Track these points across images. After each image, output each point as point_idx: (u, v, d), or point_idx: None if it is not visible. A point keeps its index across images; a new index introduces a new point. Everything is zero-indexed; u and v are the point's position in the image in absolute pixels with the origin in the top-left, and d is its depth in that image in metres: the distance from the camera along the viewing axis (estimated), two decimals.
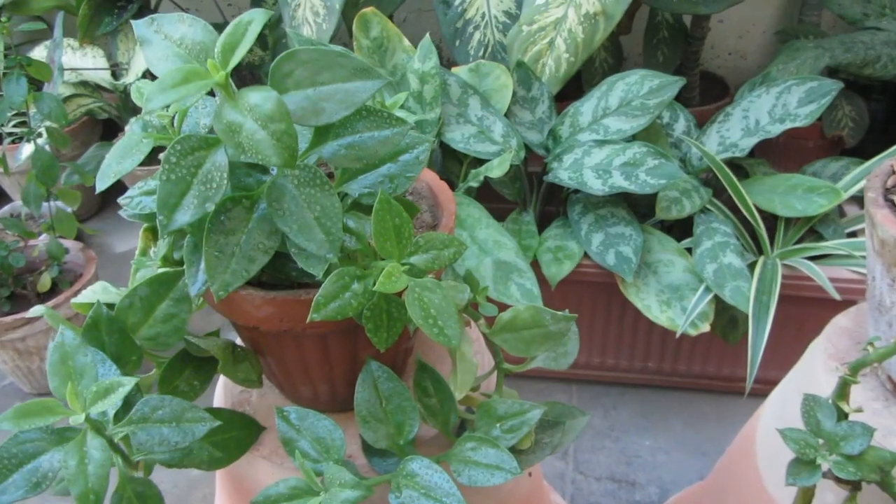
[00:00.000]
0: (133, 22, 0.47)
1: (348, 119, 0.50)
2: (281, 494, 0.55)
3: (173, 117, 0.52)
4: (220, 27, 1.78)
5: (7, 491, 0.50)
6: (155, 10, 1.92)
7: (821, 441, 0.60)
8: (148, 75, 1.97)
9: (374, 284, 0.47)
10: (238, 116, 0.43)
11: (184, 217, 0.46)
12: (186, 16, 0.47)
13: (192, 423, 0.52)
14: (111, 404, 0.49)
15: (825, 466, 0.59)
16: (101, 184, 0.49)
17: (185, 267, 0.54)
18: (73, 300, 0.60)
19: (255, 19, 0.44)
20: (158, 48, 0.46)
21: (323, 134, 0.51)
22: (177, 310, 0.56)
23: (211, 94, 0.58)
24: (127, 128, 0.53)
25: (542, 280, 1.17)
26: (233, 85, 0.45)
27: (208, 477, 1.32)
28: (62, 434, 0.52)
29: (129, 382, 0.49)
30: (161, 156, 0.55)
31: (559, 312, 0.56)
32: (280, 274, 0.56)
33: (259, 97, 0.43)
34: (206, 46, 0.46)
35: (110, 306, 0.57)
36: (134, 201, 0.55)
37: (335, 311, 0.47)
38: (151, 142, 0.50)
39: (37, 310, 0.59)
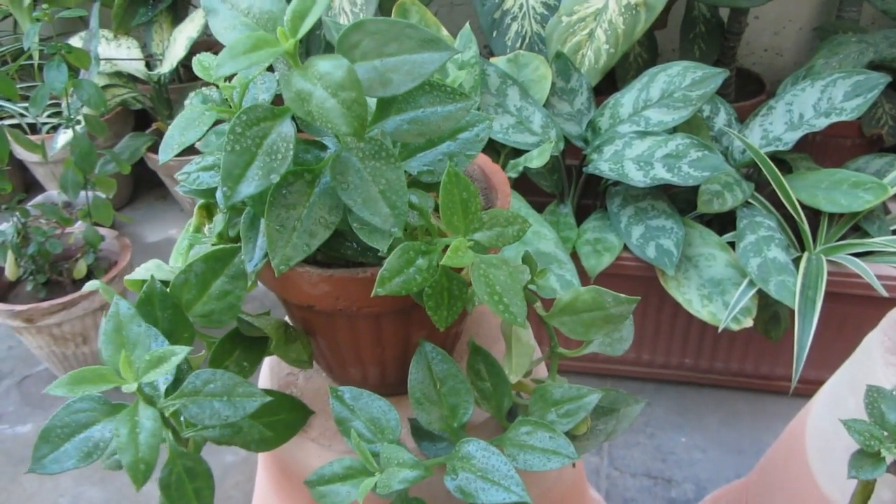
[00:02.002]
0: None
1: (411, 93, 0.50)
2: (336, 474, 0.54)
3: (233, 91, 0.52)
4: None
5: (60, 459, 0.50)
6: (189, 1, 1.93)
7: (885, 433, 0.58)
8: (181, 67, 1.98)
9: (439, 260, 0.46)
10: (307, 84, 0.43)
11: (248, 188, 0.45)
12: None
13: (243, 398, 0.51)
14: (163, 374, 0.48)
15: (890, 459, 0.57)
16: (164, 155, 0.48)
17: (241, 243, 0.54)
18: (127, 277, 0.59)
19: None
20: (225, 17, 0.45)
21: (385, 108, 0.50)
22: (232, 287, 0.56)
23: (269, 70, 0.57)
24: (187, 102, 0.53)
25: (581, 272, 1.15)
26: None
27: (242, 464, 1.32)
28: (115, 406, 0.52)
29: (181, 351, 0.49)
30: (215, 130, 0.55)
31: (620, 295, 0.55)
32: (335, 253, 0.55)
33: (329, 65, 0.43)
34: (273, 15, 0.45)
35: (164, 283, 0.57)
36: (191, 177, 0.55)
37: (400, 285, 0.46)
38: (214, 114, 0.49)
39: (92, 284, 0.59)
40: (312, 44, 1.80)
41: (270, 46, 0.43)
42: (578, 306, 0.56)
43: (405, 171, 0.55)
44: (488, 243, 0.49)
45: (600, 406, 0.62)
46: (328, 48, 1.73)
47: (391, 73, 0.46)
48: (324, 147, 0.55)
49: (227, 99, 0.52)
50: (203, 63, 0.53)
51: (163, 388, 0.53)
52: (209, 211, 0.60)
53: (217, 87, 0.53)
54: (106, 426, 0.51)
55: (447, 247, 0.47)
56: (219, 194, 0.47)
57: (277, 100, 0.53)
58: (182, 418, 0.54)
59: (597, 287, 0.55)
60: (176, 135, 0.49)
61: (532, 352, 0.59)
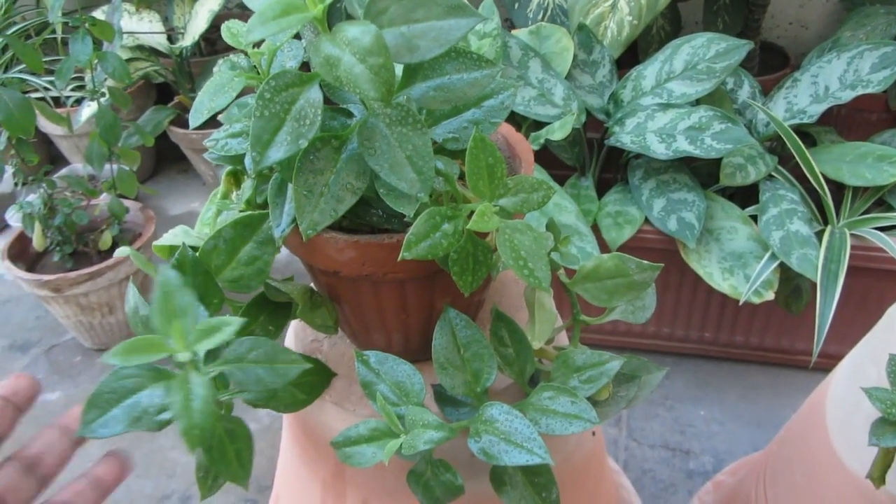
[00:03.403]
0: None
1: (437, 60, 0.50)
2: (361, 436, 0.55)
3: (261, 58, 0.52)
4: None
5: (108, 424, 0.51)
6: None
7: None
8: (202, 41, 1.98)
9: (464, 225, 0.47)
10: (336, 50, 0.43)
11: (276, 154, 0.46)
12: None
13: (285, 365, 0.52)
14: (217, 343, 0.49)
15: None
16: (195, 120, 0.49)
17: (269, 209, 0.55)
18: (155, 242, 0.61)
19: None
20: None
21: (412, 75, 0.50)
22: (260, 252, 0.57)
23: (296, 38, 0.58)
24: (215, 69, 0.53)
25: (601, 245, 1.16)
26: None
27: (264, 432, 1.34)
28: (159, 371, 0.53)
29: (236, 322, 0.50)
30: (247, 98, 0.56)
31: (644, 262, 0.55)
32: (361, 220, 0.56)
33: (358, 31, 0.43)
34: None
35: (193, 249, 0.58)
36: (220, 143, 0.56)
37: (426, 250, 0.47)
38: (243, 80, 0.50)
39: (122, 250, 0.60)
40: (333, 16, 1.80)
41: (299, 12, 0.43)
42: (602, 273, 0.56)
43: (431, 139, 0.55)
44: (513, 209, 0.50)
45: (621, 373, 0.63)
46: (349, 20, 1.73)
47: (418, 40, 0.46)
48: (350, 114, 0.55)
49: (255, 66, 0.52)
50: (232, 30, 0.54)
51: (202, 354, 0.54)
52: (237, 178, 0.61)
53: (246, 53, 0.54)
54: (154, 392, 0.52)
55: (472, 212, 0.47)
56: (247, 160, 0.47)
57: (304, 67, 0.53)
58: (230, 382, 0.56)
59: (620, 254, 0.55)
60: (206, 100, 0.50)
61: (554, 318, 0.59)
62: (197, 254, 0.58)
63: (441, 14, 0.46)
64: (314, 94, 0.46)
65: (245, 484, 0.52)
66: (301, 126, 0.46)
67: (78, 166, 1.89)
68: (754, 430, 1.26)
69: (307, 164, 0.49)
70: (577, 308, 0.61)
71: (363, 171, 0.50)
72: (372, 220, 0.56)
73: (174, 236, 0.63)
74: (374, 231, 0.56)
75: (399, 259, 0.47)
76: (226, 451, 0.52)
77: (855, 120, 1.78)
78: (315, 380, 0.65)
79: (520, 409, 0.56)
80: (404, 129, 0.47)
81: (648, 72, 1.23)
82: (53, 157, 2.29)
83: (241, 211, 0.58)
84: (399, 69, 0.51)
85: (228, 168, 0.60)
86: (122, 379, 0.49)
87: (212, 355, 0.51)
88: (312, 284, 0.67)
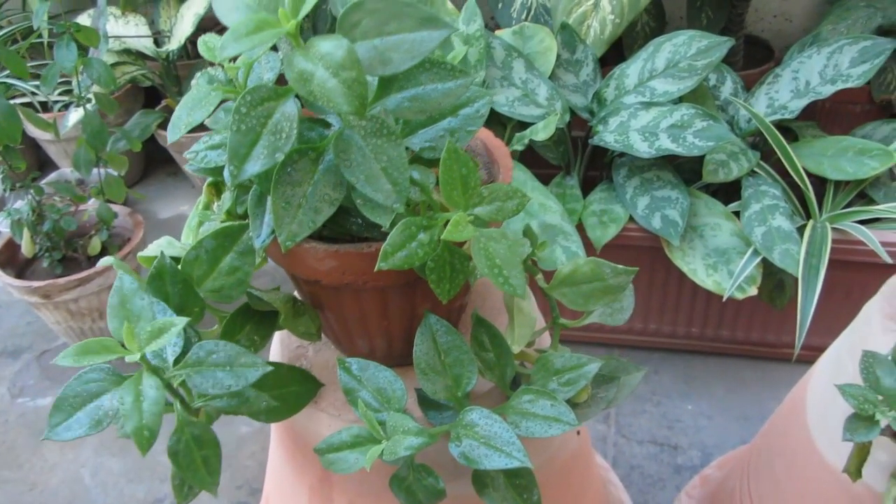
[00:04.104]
0: None
1: (412, 71, 0.50)
2: (344, 442, 0.56)
3: (238, 72, 0.53)
4: None
5: (72, 427, 0.52)
6: None
7: (880, 397, 0.59)
8: (189, 44, 1.98)
9: (440, 235, 0.48)
10: (309, 65, 0.44)
11: (254, 167, 0.47)
12: None
13: (245, 368, 0.53)
14: (164, 343, 0.50)
15: (884, 422, 0.58)
16: (173, 135, 0.50)
17: (249, 220, 0.55)
18: (140, 253, 0.61)
19: None
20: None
21: (387, 86, 0.51)
22: (241, 262, 0.57)
23: (273, 49, 0.58)
24: (193, 82, 0.54)
25: (586, 244, 1.17)
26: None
27: (256, 435, 1.35)
28: (123, 376, 0.54)
29: (181, 321, 0.51)
30: (224, 107, 0.56)
31: (619, 266, 0.56)
32: (341, 228, 0.57)
33: (330, 45, 0.44)
34: None
35: (175, 260, 0.59)
36: (199, 156, 0.56)
37: (402, 260, 0.48)
38: (220, 94, 0.51)
39: (106, 260, 0.61)
40: (319, 19, 1.80)
41: (272, 28, 0.44)
42: (578, 278, 0.57)
43: (407, 148, 0.56)
44: (489, 217, 0.51)
45: (601, 374, 0.64)
46: (334, 23, 1.73)
47: (391, 52, 0.47)
48: (327, 125, 0.56)
49: (231, 79, 0.53)
50: (208, 44, 0.55)
51: (171, 359, 0.55)
52: (218, 188, 0.61)
53: (222, 66, 0.54)
54: (115, 395, 0.53)
55: (448, 221, 0.48)
56: (226, 173, 0.48)
57: (282, 78, 0.54)
58: (193, 389, 0.57)
59: (595, 259, 0.56)
60: (183, 115, 0.50)
61: (534, 322, 0.60)
62: (179, 265, 0.58)
63: (413, 26, 0.47)
64: (290, 108, 0.47)
65: (214, 491, 0.53)
66: (277, 140, 0.47)
67: (66, 171, 1.89)
68: (742, 423, 1.28)
69: (284, 176, 0.49)
70: (556, 312, 0.62)
71: (340, 182, 0.51)
72: (352, 228, 0.57)
73: (158, 247, 0.63)
74: (354, 239, 0.57)
75: (376, 270, 0.48)
76: (193, 458, 0.52)
77: (839, 112, 1.79)
78: (300, 390, 0.66)
79: (501, 413, 0.57)
80: (379, 140, 0.48)
81: (631, 70, 1.24)
82: (42, 162, 2.28)
83: (221, 221, 0.59)
84: (374, 80, 0.52)
85: (209, 179, 0.61)
86: (85, 383, 0.50)
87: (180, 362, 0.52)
88: (296, 293, 0.68)
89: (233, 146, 0.46)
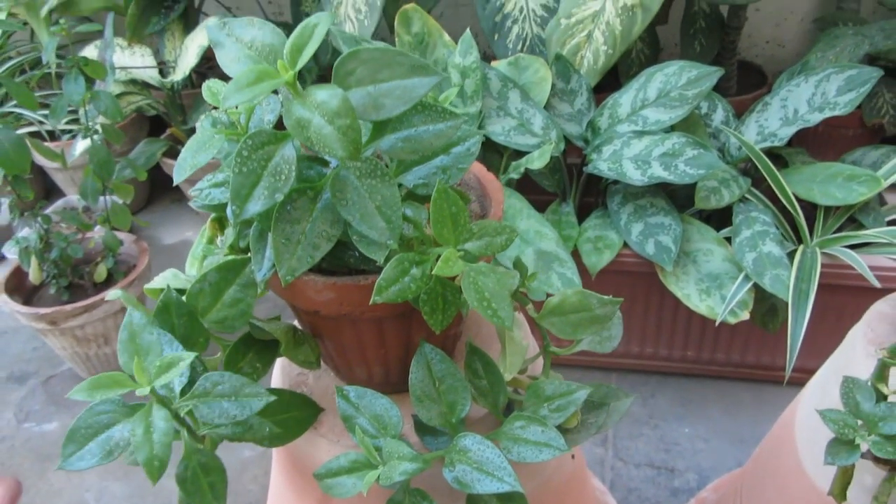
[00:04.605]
0: (206, 27, 0.51)
1: (405, 114, 0.53)
2: (342, 467, 0.58)
3: (240, 115, 0.56)
4: None
5: (84, 458, 0.54)
6: (200, 10, 1.97)
7: (860, 422, 0.61)
8: (194, 74, 2.02)
9: (432, 269, 0.50)
10: (306, 113, 0.47)
11: (255, 207, 0.50)
12: (256, 19, 0.50)
13: (249, 398, 0.55)
14: (174, 377, 0.52)
15: (864, 447, 0.60)
16: (179, 176, 0.53)
17: (251, 254, 0.58)
18: (146, 286, 0.64)
19: (322, 22, 0.47)
20: (231, 50, 0.49)
21: (381, 128, 0.54)
22: (243, 294, 0.60)
23: (274, 91, 0.61)
24: (198, 125, 0.57)
25: (582, 270, 1.19)
26: (298, 84, 0.49)
27: (259, 459, 1.37)
28: (134, 407, 0.56)
29: (188, 356, 0.53)
30: (221, 156, 0.59)
31: (605, 296, 0.59)
32: (339, 261, 0.59)
33: (326, 94, 0.46)
34: (274, 48, 0.49)
35: (180, 291, 0.61)
36: (203, 193, 0.59)
37: (395, 293, 0.50)
38: (223, 137, 0.53)
39: (114, 293, 0.63)
40: (321, 50, 1.84)
41: (271, 78, 0.47)
42: (566, 308, 0.60)
43: (402, 185, 0.59)
44: (478, 252, 0.53)
45: (591, 400, 0.66)
46: (335, 53, 1.77)
47: (384, 98, 0.50)
48: (326, 163, 0.59)
49: (234, 122, 0.56)
50: (212, 89, 0.58)
51: (178, 389, 0.57)
52: (221, 223, 0.64)
53: (225, 110, 0.57)
54: (125, 426, 0.55)
55: (440, 256, 0.51)
56: (229, 211, 0.51)
57: (282, 120, 0.57)
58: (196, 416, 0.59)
59: (582, 290, 0.59)
60: (188, 157, 0.53)
61: (524, 350, 0.63)
62: (184, 297, 0.61)
63: (405, 73, 0.50)
64: (288, 152, 0.50)
65: None
66: (277, 181, 0.49)
67: (73, 198, 1.92)
68: (738, 446, 1.29)
69: (284, 214, 0.52)
70: (546, 340, 0.65)
71: (337, 219, 0.53)
72: (349, 261, 0.60)
73: (164, 279, 0.66)
74: (352, 272, 0.60)
75: (371, 303, 0.50)
76: (200, 484, 0.55)
77: (832, 136, 1.82)
78: (301, 415, 0.68)
79: (494, 438, 0.60)
80: (373, 180, 0.51)
81: (624, 99, 1.27)
82: (48, 188, 2.32)
83: (225, 255, 0.61)
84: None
85: (213, 215, 0.63)
86: (96, 415, 0.53)
87: (186, 392, 0.55)
88: (296, 322, 0.70)
89: (235, 187, 0.49)
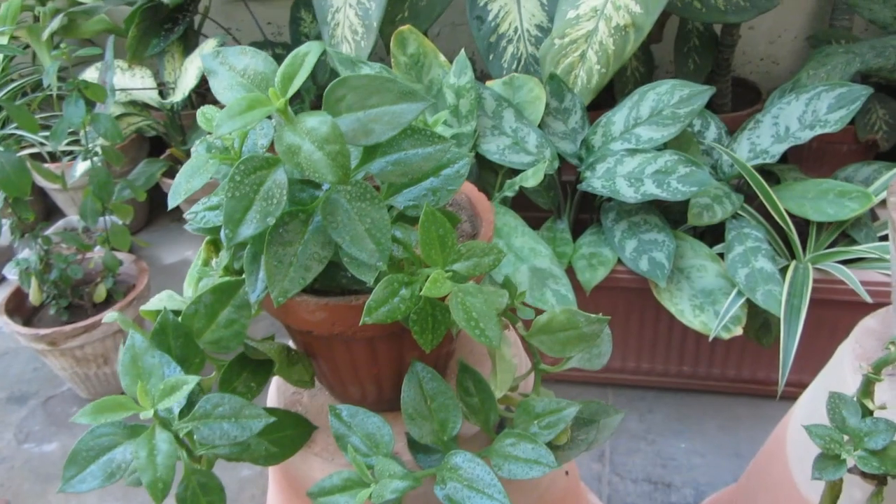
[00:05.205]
0: (201, 55, 0.52)
1: (395, 138, 0.55)
2: (335, 486, 0.59)
3: (234, 140, 0.57)
4: (261, 46, 1.84)
5: (86, 480, 0.55)
6: (199, 32, 2.00)
7: (846, 437, 0.62)
8: (193, 95, 2.04)
9: (421, 290, 0.51)
10: (297, 139, 0.48)
11: (247, 230, 0.51)
12: (248, 48, 0.51)
13: (249, 419, 0.56)
14: (176, 400, 0.53)
15: (850, 462, 0.61)
16: (174, 201, 0.54)
17: (245, 276, 0.59)
18: (142, 308, 0.65)
19: (312, 51, 0.49)
20: (224, 78, 0.51)
21: (371, 152, 0.55)
22: (238, 315, 0.61)
23: (269, 116, 0.63)
24: (193, 149, 0.58)
25: (576, 286, 1.20)
26: (290, 110, 0.50)
27: (257, 478, 1.37)
28: (134, 429, 0.57)
29: (192, 381, 0.54)
30: (219, 176, 0.60)
31: (592, 315, 0.60)
32: (331, 282, 0.61)
33: (316, 121, 0.48)
34: (266, 76, 0.51)
35: (176, 313, 0.62)
36: (198, 216, 0.60)
37: (385, 314, 0.51)
38: (217, 162, 0.55)
39: (111, 315, 0.64)
40: (319, 70, 1.87)
41: (264, 106, 0.48)
42: (554, 326, 0.61)
43: (393, 206, 0.60)
44: (466, 273, 0.54)
45: (581, 417, 0.67)
46: (333, 74, 1.79)
47: (373, 124, 0.51)
48: (318, 186, 0.60)
49: (228, 147, 0.57)
50: (206, 115, 0.59)
51: (177, 410, 0.58)
52: (216, 245, 0.65)
53: None
54: (127, 448, 0.56)
55: (429, 277, 0.52)
56: (222, 235, 0.52)
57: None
58: (195, 437, 0.60)
59: (570, 308, 0.60)
60: (183, 182, 0.54)
61: (514, 369, 0.64)
62: (180, 318, 0.62)
63: (394, 100, 0.51)
64: (280, 176, 0.51)
65: None
66: (269, 205, 0.51)
67: (73, 218, 1.94)
68: (734, 460, 1.30)
69: (277, 237, 0.53)
70: (536, 358, 0.65)
71: (329, 241, 0.54)
72: (342, 281, 0.61)
73: (160, 301, 0.67)
74: (344, 292, 0.61)
75: (361, 324, 0.51)
76: None
77: (826, 151, 1.84)
78: (295, 434, 0.69)
79: (485, 456, 0.60)
80: (363, 204, 0.52)
81: (617, 118, 1.28)
82: (49, 209, 2.34)
83: (219, 277, 0.63)
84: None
85: (208, 237, 0.65)
86: (97, 437, 0.54)
87: (185, 414, 0.56)
88: (290, 341, 0.71)
89: (228, 211, 0.50)
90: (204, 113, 0.59)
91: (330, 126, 0.47)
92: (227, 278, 0.61)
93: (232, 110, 0.47)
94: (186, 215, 0.61)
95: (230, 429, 0.56)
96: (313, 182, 0.60)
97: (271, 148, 0.57)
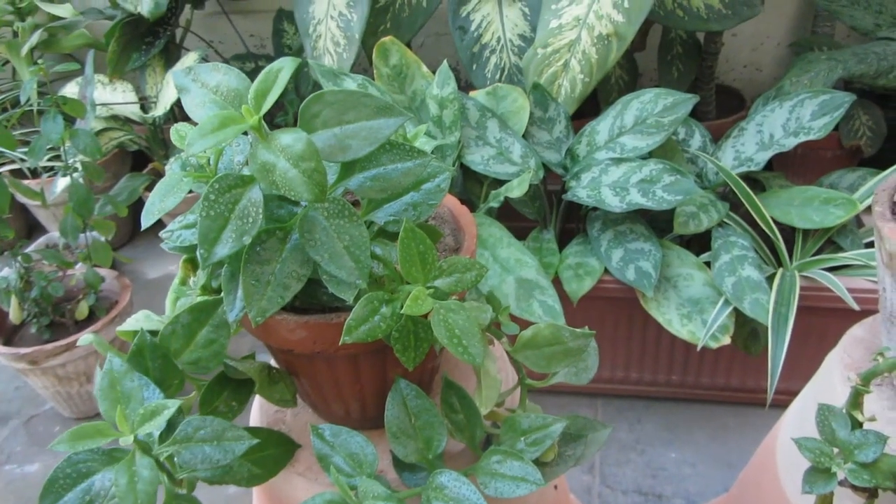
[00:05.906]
0: (172, 72, 0.51)
1: (373, 153, 0.54)
2: None
3: (209, 158, 0.56)
4: (243, 58, 1.81)
5: None
6: (181, 45, 1.98)
7: (835, 450, 0.61)
8: (175, 108, 2.03)
9: (402, 308, 0.50)
10: (271, 157, 0.47)
11: (223, 250, 0.50)
12: (221, 65, 0.50)
13: (232, 442, 0.55)
14: (157, 426, 0.52)
15: (841, 475, 0.60)
16: (147, 221, 0.52)
17: (223, 295, 0.58)
18: (119, 328, 0.63)
19: (285, 67, 0.48)
20: (196, 95, 0.50)
21: (349, 168, 0.54)
22: (216, 335, 0.60)
23: (245, 132, 0.62)
24: (167, 167, 0.57)
25: (563, 297, 1.19)
26: (265, 127, 0.49)
27: (243, 495, 1.35)
28: (112, 454, 0.55)
29: (173, 405, 0.53)
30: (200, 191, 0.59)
31: (577, 329, 0.59)
32: (312, 299, 0.59)
33: (290, 138, 0.47)
34: (239, 93, 0.50)
35: (153, 333, 0.61)
36: (174, 235, 0.59)
37: (365, 333, 0.50)
38: (191, 180, 0.54)
39: (86, 338, 0.63)
40: (301, 80, 1.86)
41: (237, 123, 0.47)
42: (539, 341, 0.60)
43: (373, 222, 0.59)
44: (448, 289, 0.53)
45: (568, 433, 0.66)
46: (316, 86, 1.79)
47: (350, 140, 0.50)
48: (296, 203, 0.59)
49: (203, 165, 0.56)
50: (180, 132, 0.58)
51: (157, 434, 0.57)
52: (194, 264, 0.64)
53: None
54: (106, 475, 0.55)
55: (410, 294, 0.51)
56: (198, 254, 0.51)
57: None
58: (176, 461, 0.58)
59: (555, 323, 0.59)
60: (156, 201, 0.53)
61: (499, 385, 0.63)
62: (157, 338, 0.61)
63: (370, 115, 0.50)
64: (255, 195, 0.50)
65: None
66: (245, 224, 0.50)
67: (55, 235, 1.92)
68: (725, 470, 1.29)
69: (254, 255, 0.52)
70: (522, 373, 0.65)
71: (307, 259, 0.53)
72: (322, 298, 0.59)
73: (136, 321, 0.66)
74: (325, 309, 0.60)
75: (341, 343, 0.50)
76: None
77: (811, 158, 1.84)
78: (278, 453, 0.68)
79: (471, 473, 0.59)
80: (341, 221, 0.51)
81: (601, 127, 1.28)
82: (30, 225, 2.31)
83: (197, 296, 0.61)
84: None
85: (185, 256, 0.63)
86: (75, 464, 0.52)
87: (165, 437, 0.54)
88: (272, 360, 0.70)
89: (203, 231, 0.49)
90: (178, 130, 0.58)
91: (305, 143, 0.46)
92: (204, 297, 0.60)
93: (204, 128, 0.46)
94: (162, 234, 0.60)
95: (212, 452, 0.54)
96: (292, 199, 0.59)
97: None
